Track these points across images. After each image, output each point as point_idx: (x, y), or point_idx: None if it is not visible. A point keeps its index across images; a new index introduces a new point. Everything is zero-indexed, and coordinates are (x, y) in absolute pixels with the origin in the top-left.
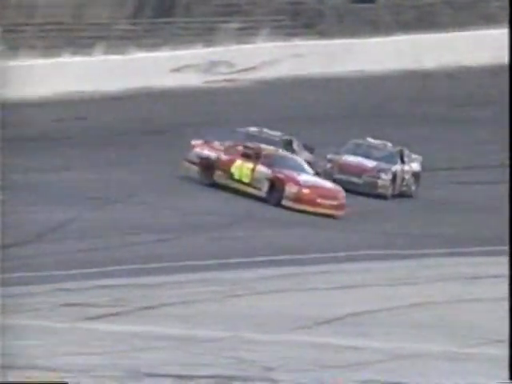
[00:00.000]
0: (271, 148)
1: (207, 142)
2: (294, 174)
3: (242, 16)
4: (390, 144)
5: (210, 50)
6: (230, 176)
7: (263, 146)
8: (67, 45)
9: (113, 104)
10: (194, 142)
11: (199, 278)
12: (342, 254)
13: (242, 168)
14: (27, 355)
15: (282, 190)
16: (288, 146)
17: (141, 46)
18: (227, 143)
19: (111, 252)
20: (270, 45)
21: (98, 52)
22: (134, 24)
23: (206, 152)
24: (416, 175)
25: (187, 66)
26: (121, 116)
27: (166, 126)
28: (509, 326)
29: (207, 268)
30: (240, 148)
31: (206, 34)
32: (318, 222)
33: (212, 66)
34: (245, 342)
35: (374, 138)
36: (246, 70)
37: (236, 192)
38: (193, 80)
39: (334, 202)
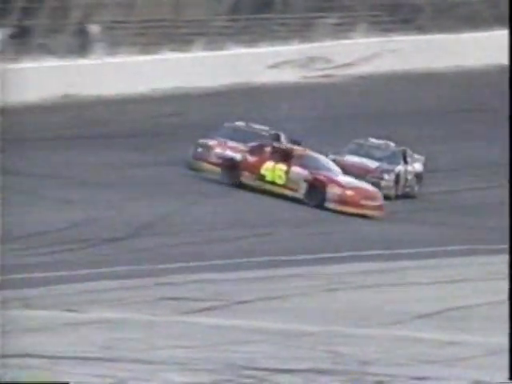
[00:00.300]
0: (300, 148)
1: (224, 142)
2: (334, 176)
3: (339, 12)
4: (392, 144)
5: (308, 45)
6: (260, 177)
7: (293, 146)
8: (166, 41)
9: (210, 100)
10: (211, 143)
11: (295, 272)
12: (439, 248)
13: (274, 169)
14: (129, 348)
15: (324, 191)
16: (276, 140)
17: (239, 43)
18: (251, 144)
19: (209, 247)
20: (367, 40)
21: (196, 48)
22: (231, 20)
23: (229, 153)
24: (418, 176)
25: (284, 62)
26: (218, 112)
27: (265, 122)
28: (509, 326)
29: (302, 263)
30: (268, 149)
31: (304, 30)
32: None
33: (309, 61)
34: (341, 336)
35: (474, 134)
36: (343, 65)
37: (267, 193)
38: (290, 76)
39: (376, 203)
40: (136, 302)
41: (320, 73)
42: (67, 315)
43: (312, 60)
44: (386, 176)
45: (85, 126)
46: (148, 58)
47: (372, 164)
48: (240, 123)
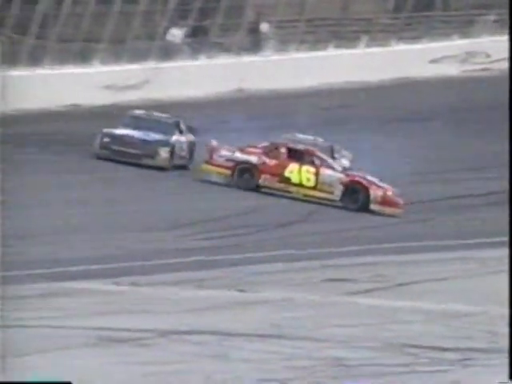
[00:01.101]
0: (310, 148)
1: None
2: (369, 177)
3: (498, 9)
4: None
5: (467, 41)
6: (285, 180)
7: (308, 147)
8: (333, 38)
9: (375, 93)
10: (216, 145)
11: (451, 256)
12: None
13: (300, 171)
14: (296, 326)
15: (367, 194)
16: (176, 127)
17: (401, 39)
18: (263, 145)
19: (365, 232)
20: None
21: (361, 45)
22: (395, 18)
23: (242, 155)
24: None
25: (445, 57)
26: (382, 104)
27: (430, 113)
28: (509, 326)
29: (458, 247)
30: (283, 150)
31: (463, 27)
32: None
33: (469, 56)
34: (497, 317)
35: None
36: (500, 60)
37: (291, 195)
38: (450, 70)
39: (401, 201)
40: (303, 284)
41: (479, 67)
42: (238, 295)
43: (471, 55)
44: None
45: (258, 119)
46: (316, 54)
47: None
48: (140, 112)
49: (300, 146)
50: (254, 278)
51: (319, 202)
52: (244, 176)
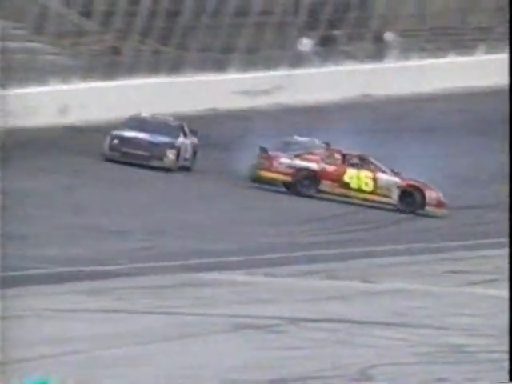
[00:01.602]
0: (364, 154)
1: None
2: (422, 181)
3: None
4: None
5: None
6: (344, 185)
7: (361, 153)
8: (452, 47)
9: (491, 98)
10: (273, 154)
11: None
12: None
13: (358, 177)
14: (419, 315)
15: (424, 196)
16: (181, 130)
17: None
18: (317, 151)
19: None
20: None
21: (479, 52)
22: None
23: (302, 162)
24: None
25: None
26: (498, 108)
27: None
28: (508, 326)
29: None
30: (338, 156)
31: None
32: None
33: None
34: None
35: None
36: None
37: (348, 199)
38: None
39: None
40: (425, 275)
41: None
42: (364, 285)
43: None
44: None
45: (382, 121)
46: (436, 61)
47: None
48: (145, 114)
49: (353, 152)
50: (379, 270)
51: (377, 207)
52: (305, 182)
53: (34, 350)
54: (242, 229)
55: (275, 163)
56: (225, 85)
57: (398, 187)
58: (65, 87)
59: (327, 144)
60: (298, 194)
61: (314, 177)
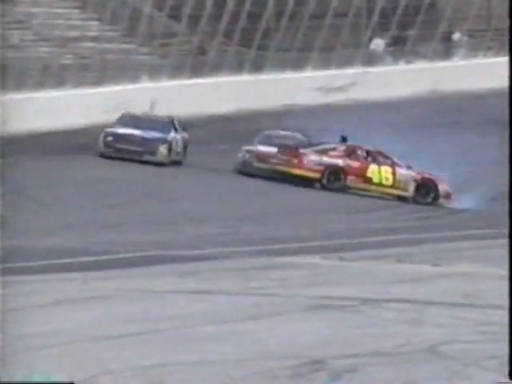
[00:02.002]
0: (381, 150)
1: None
2: (434, 174)
3: None
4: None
5: None
6: (367, 180)
7: (379, 148)
8: None
9: None
10: (302, 151)
11: None
12: None
13: (379, 172)
14: (487, 297)
15: (437, 189)
16: (172, 125)
17: None
18: (342, 148)
19: None
20: None
21: None
22: None
23: (330, 159)
24: None
25: None
26: None
27: None
28: (508, 323)
29: None
30: (360, 152)
31: None
32: None
33: None
34: None
35: None
36: None
37: (369, 193)
38: None
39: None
40: (491, 259)
41: None
42: (433, 269)
43: None
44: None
45: (448, 115)
46: (500, 59)
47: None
48: (137, 112)
49: (372, 148)
50: (447, 254)
51: (394, 199)
52: (332, 178)
53: (125, 328)
54: (314, 217)
55: (305, 160)
56: (302, 82)
57: (414, 181)
58: (154, 84)
59: (344, 139)
60: (326, 189)
61: (340, 173)
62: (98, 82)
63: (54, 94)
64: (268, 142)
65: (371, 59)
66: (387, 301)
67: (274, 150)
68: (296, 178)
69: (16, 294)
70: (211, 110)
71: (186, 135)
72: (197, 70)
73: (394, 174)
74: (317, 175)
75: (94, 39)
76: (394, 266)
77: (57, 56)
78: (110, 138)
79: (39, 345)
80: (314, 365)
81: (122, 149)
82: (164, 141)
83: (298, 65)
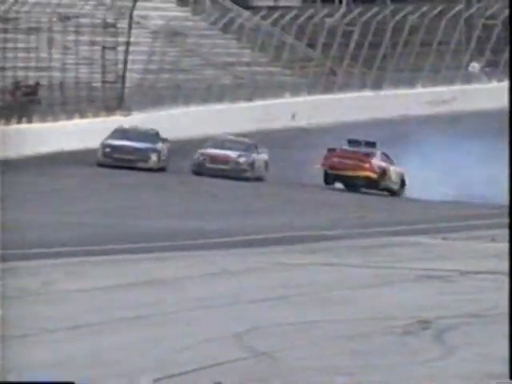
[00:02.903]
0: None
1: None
2: None
3: None
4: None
5: None
6: (391, 180)
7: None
8: None
9: None
10: (369, 155)
11: None
12: None
13: (396, 172)
14: None
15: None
16: (158, 137)
17: None
18: (376, 153)
19: None
20: None
21: None
22: None
23: (382, 163)
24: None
25: None
26: None
27: None
28: (508, 323)
29: None
30: (384, 156)
31: None
32: None
33: None
34: None
35: None
36: None
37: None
38: None
39: None
40: None
41: None
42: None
43: None
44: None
45: None
46: None
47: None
48: (126, 126)
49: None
50: None
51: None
52: (382, 179)
53: (277, 292)
54: (425, 205)
55: (374, 164)
56: (414, 97)
57: (399, 176)
58: (295, 99)
59: (372, 144)
60: (377, 189)
61: (387, 175)
62: (250, 97)
63: (215, 107)
64: (218, 145)
65: (469, 78)
66: (479, 272)
67: (223, 152)
68: (360, 180)
69: (186, 265)
70: (339, 119)
71: (168, 145)
72: (328, 88)
73: (401, 173)
74: (375, 176)
75: (247, 64)
76: (486, 245)
77: (218, 77)
78: (107, 150)
79: (201, 306)
80: (421, 324)
81: (119, 158)
82: (154, 150)
83: (411, 83)
